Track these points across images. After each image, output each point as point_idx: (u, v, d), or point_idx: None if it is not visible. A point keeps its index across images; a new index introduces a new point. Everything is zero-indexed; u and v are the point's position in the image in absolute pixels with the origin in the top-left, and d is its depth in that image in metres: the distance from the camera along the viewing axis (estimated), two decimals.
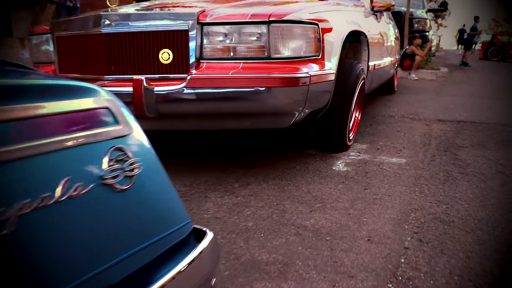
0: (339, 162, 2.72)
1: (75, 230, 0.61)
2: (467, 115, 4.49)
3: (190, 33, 2.11)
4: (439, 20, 23.32)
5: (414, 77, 8.65)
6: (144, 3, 3.16)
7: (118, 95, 2.07)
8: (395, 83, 6.34)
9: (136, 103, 2.07)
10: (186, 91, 2.08)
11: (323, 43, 2.28)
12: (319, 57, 2.28)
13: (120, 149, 0.70)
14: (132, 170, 0.71)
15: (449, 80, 8.76)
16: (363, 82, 3.04)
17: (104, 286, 0.63)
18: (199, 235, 0.92)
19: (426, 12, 11.66)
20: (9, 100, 0.57)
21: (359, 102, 3.15)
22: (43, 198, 0.56)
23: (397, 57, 6.09)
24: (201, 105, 2.13)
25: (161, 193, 0.83)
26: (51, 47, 2.63)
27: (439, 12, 16.43)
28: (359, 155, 2.88)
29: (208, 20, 2.12)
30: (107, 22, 2.22)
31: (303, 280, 1.44)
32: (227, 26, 2.10)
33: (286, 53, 2.12)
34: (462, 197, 2.17)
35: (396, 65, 5.99)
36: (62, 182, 0.58)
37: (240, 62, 2.11)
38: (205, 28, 2.11)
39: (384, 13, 4.43)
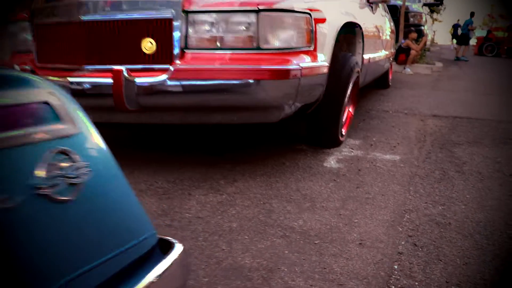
0: (330, 159, 2.61)
1: (5, 252, 0.50)
2: (462, 111, 4.40)
3: (174, 21, 1.99)
4: (434, 15, 23.18)
5: (409, 72, 8.55)
6: None
7: (98, 86, 1.97)
8: (390, 77, 6.23)
9: (116, 95, 1.95)
10: (169, 83, 1.97)
11: (315, 34, 2.17)
12: (311, 48, 2.16)
13: (63, 152, 0.58)
14: (77, 177, 0.59)
15: (444, 75, 8.67)
16: (357, 76, 2.93)
17: None
18: (166, 248, 0.81)
19: (422, 6, 11.57)
20: None
21: (353, 96, 3.04)
22: None
23: (392, 51, 5.99)
24: (185, 98, 2.02)
25: (118, 203, 0.71)
26: (29, 36, 2.49)
27: (435, 6, 16.32)
28: (352, 151, 2.78)
29: (193, 8, 2.00)
30: (87, 9, 2.10)
31: None
32: (214, 15, 1.98)
33: (276, 44, 2.00)
34: (458, 197, 2.07)
35: (391, 59, 5.89)
36: None
37: (227, 53, 1.99)
38: (191, 16, 1.99)
39: (380, 6, 4.32)
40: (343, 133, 2.91)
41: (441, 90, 6.19)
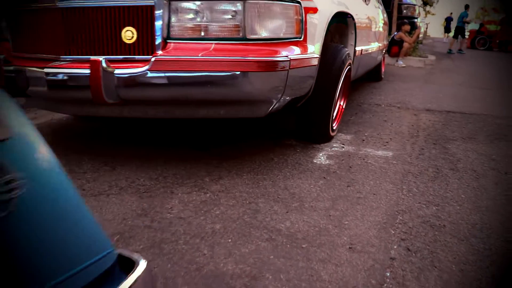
0: (320, 155, 2.52)
1: None
2: (456, 105, 4.32)
3: (156, 9, 1.87)
4: (427, 8, 23.11)
5: (402, 64, 8.47)
6: None
7: (75, 77, 1.84)
8: (383, 70, 6.15)
9: (94, 87, 1.84)
10: (150, 74, 1.85)
11: (305, 24, 2.06)
12: (301, 39, 2.06)
13: None
14: (8, 191, 0.49)
15: (437, 68, 8.60)
16: (349, 68, 2.83)
17: None
18: (128, 265, 0.70)
19: None
20: None
21: (344, 89, 2.94)
22: None
23: (385, 43, 5.89)
24: (168, 90, 1.90)
25: (66, 218, 0.60)
26: (3, 22, 2.36)
27: None
28: (343, 147, 2.68)
29: None
30: None
31: None
32: (198, 2, 1.86)
33: (263, 33, 1.89)
34: (453, 197, 1.98)
35: (384, 51, 5.80)
36: None
37: (212, 43, 1.87)
38: (173, 3, 1.87)
39: None
40: (334, 128, 2.81)
41: (434, 84, 6.11)
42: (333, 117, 2.73)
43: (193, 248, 1.49)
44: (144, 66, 1.85)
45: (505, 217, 1.81)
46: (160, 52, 1.88)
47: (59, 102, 2.25)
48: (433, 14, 28.89)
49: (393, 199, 1.93)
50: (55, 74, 1.98)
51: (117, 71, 1.86)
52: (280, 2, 1.91)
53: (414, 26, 9.77)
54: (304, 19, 2.04)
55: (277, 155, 2.47)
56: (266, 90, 1.95)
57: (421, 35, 13.78)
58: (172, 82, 1.86)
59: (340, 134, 2.96)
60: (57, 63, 2.04)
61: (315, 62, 2.24)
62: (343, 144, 2.73)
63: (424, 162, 2.44)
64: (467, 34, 19.95)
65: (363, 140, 2.85)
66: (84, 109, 2.20)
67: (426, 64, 9.03)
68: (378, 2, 4.93)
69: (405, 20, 9.20)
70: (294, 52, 1.99)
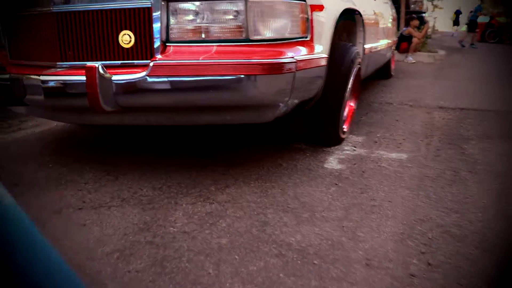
0: (331, 159, 2.40)
1: None
2: (469, 102, 4.17)
3: (154, 11, 1.77)
4: (435, 1, 22.85)
5: (411, 60, 8.32)
6: None
7: (72, 85, 1.75)
8: (392, 67, 6.01)
9: (90, 95, 1.74)
10: (149, 79, 1.75)
11: (312, 22, 1.95)
12: (308, 38, 1.95)
13: None
14: None
15: (448, 63, 8.43)
16: (358, 67, 2.72)
17: None
18: None
19: None
20: None
21: (355, 89, 2.82)
22: None
23: (394, 39, 5.76)
24: (168, 96, 1.80)
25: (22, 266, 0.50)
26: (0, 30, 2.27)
27: None
28: (355, 150, 2.57)
29: None
30: None
31: None
32: (197, 3, 1.76)
33: (267, 34, 1.79)
34: (474, 203, 1.86)
35: (393, 48, 5.66)
36: None
37: (214, 45, 1.77)
38: (172, 5, 1.77)
39: None
40: (345, 130, 2.70)
41: (445, 80, 5.96)
42: (344, 119, 2.62)
43: (198, 267, 1.39)
44: (142, 72, 1.76)
45: None
46: (159, 56, 1.78)
47: (57, 110, 2.16)
48: (440, 8, 28.58)
49: (410, 206, 1.81)
50: (51, 81, 1.90)
51: (114, 77, 1.76)
52: (284, 0, 1.80)
53: (422, 21, 9.62)
54: (310, 18, 1.93)
55: (286, 160, 2.36)
56: (271, 93, 1.84)
57: (429, 30, 13.60)
58: (172, 88, 1.76)
59: (351, 136, 2.85)
60: (53, 70, 1.95)
61: (323, 62, 2.13)
62: (354, 147, 2.62)
63: (441, 164, 2.32)
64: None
65: (376, 142, 2.73)
66: (84, 117, 2.11)
67: (436, 59, 8.87)
68: None
69: (414, 15, 9.05)
70: (300, 52, 1.88)
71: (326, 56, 2.15)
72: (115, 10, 1.80)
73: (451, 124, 3.27)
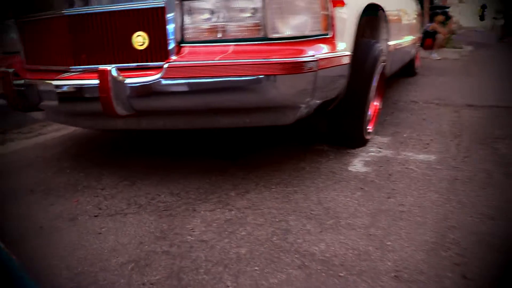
0: (356, 161, 2.30)
1: None
2: (499, 99, 3.99)
3: (167, 10, 1.70)
4: None
5: (437, 57, 8.11)
6: None
7: (85, 89, 1.69)
8: (417, 64, 5.84)
9: (103, 99, 1.68)
10: (163, 82, 1.68)
11: (333, 19, 1.85)
12: (329, 36, 1.85)
13: None
14: None
15: (474, 59, 8.18)
16: (383, 65, 2.60)
17: None
18: None
19: None
20: None
21: (379, 88, 2.71)
22: None
23: (419, 35, 5.59)
24: (183, 99, 1.73)
25: None
26: (15, 34, 2.24)
27: None
28: (380, 151, 2.46)
29: None
30: (70, 0, 1.83)
31: None
32: (213, 1, 1.68)
33: (287, 32, 1.69)
34: (510, 208, 1.73)
35: (417, 44, 5.50)
36: None
37: (230, 45, 1.69)
38: (186, 3, 1.69)
39: None
40: (370, 130, 2.59)
41: (472, 76, 5.76)
42: (368, 119, 2.51)
43: (215, 279, 1.32)
44: (157, 74, 1.69)
45: None
46: (174, 57, 1.71)
47: (73, 116, 2.11)
48: (464, 2, 28.02)
49: (441, 212, 1.70)
50: (65, 86, 1.85)
51: (128, 80, 1.70)
52: None
53: (447, 16, 9.38)
54: (331, 14, 1.83)
55: (309, 163, 2.27)
56: (292, 94, 1.75)
57: (454, 25, 13.29)
58: (188, 90, 1.69)
59: (376, 136, 2.73)
60: (67, 75, 1.90)
61: (346, 60, 2.03)
62: (380, 148, 2.51)
63: (472, 166, 2.19)
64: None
65: (402, 143, 2.61)
66: (99, 122, 2.06)
67: (462, 56, 8.63)
68: None
69: (438, 11, 8.84)
70: (322, 50, 1.78)
71: (349, 54, 2.05)
72: (127, 11, 1.74)
73: (481, 122, 3.12)
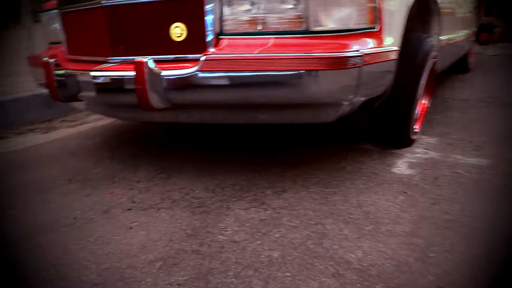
0: (400, 162, 2.18)
1: None
2: None
3: (207, 1, 1.64)
4: None
5: (492, 53, 7.72)
6: None
7: (121, 81, 1.67)
8: (471, 59, 5.56)
9: (139, 91, 1.65)
10: (200, 75, 1.63)
11: (380, 11, 1.74)
12: (376, 29, 1.74)
13: None
14: None
15: None
16: (433, 61, 2.46)
17: None
18: None
19: None
20: None
21: (428, 85, 2.56)
22: None
23: (474, 29, 5.31)
24: (220, 93, 1.67)
25: None
26: (59, 25, 2.25)
27: None
28: (427, 153, 2.32)
29: None
30: None
31: None
32: None
33: (330, 25, 1.60)
34: None
35: (472, 39, 5.23)
36: None
37: (270, 38, 1.61)
38: None
39: None
40: (416, 130, 2.46)
41: None
42: (415, 118, 2.38)
43: (244, 283, 1.26)
44: (194, 67, 1.64)
45: None
46: (212, 49, 1.65)
47: (111, 107, 2.10)
48: None
49: (492, 223, 1.56)
50: (102, 77, 1.83)
51: (164, 72, 1.66)
52: None
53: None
54: (379, 6, 1.72)
55: (350, 163, 2.17)
56: (334, 91, 1.66)
57: None
58: (225, 84, 1.63)
59: (423, 137, 2.59)
60: (104, 66, 1.89)
61: (394, 55, 1.91)
62: (426, 149, 2.37)
63: None
64: None
65: (451, 144, 2.46)
66: (137, 114, 2.04)
67: None
68: None
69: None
70: (367, 45, 1.68)
71: (397, 48, 1.94)
72: (165, 1, 1.70)
73: None
